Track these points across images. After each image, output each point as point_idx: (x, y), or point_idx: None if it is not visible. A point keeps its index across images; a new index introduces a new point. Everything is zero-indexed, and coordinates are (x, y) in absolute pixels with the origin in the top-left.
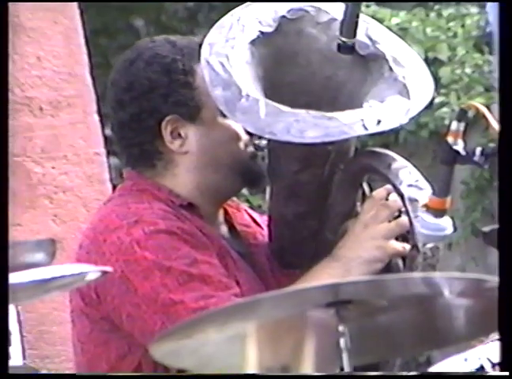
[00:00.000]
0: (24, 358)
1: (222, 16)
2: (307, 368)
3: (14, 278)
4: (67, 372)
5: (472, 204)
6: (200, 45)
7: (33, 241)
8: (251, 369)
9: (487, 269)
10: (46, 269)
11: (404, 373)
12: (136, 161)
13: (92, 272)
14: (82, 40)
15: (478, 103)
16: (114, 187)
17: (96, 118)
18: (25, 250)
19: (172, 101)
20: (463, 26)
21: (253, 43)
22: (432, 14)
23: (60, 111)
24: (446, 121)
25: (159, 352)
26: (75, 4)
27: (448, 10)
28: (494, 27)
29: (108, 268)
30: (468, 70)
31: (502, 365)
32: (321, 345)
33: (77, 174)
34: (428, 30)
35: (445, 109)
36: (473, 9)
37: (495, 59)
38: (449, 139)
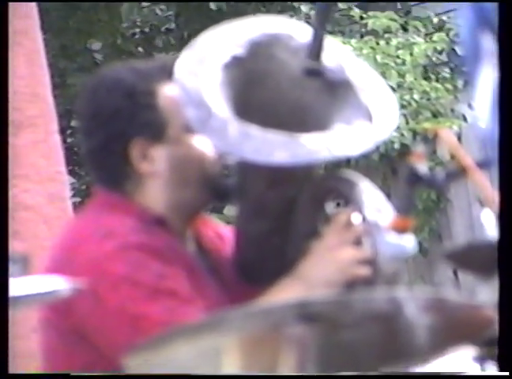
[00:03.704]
0: None
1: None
2: None
3: None
4: None
5: (419, 225)
6: (158, 67)
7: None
8: None
9: (434, 287)
10: (16, 283)
11: (405, 373)
12: (106, 182)
13: (64, 289)
14: (44, 61)
15: (442, 129)
16: (73, 205)
17: (57, 137)
18: None
19: (137, 124)
20: (411, 54)
21: (225, 65)
22: (382, 42)
23: (22, 131)
24: (396, 145)
25: (129, 365)
26: (38, 26)
27: (397, 39)
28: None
29: (80, 285)
30: (416, 96)
31: (502, 365)
32: (287, 359)
33: (38, 192)
34: (378, 57)
35: (394, 133)
36: (420, 38)
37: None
38: (413, 160)
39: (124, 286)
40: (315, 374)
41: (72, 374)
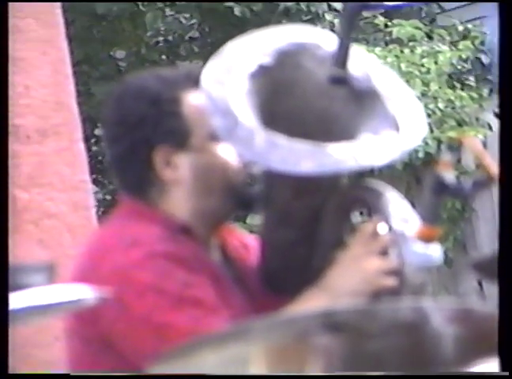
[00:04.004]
0: None
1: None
2: None
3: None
4: None
5: (443, 234)
6: (184, 75)
7: (32, 263)
8: None
9: (458, 297)
10: (43, 292)
11: (405, 373)
12: (130, 189)
13: (90, 298)
14: (69, 70)
15: (468, 137)
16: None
17: (82, 145)
18: (24, 273)
19: (161, 131)
20: (436, 63)
21: (251, 74)
22: (406, 51)
23: (46, 139)
24: (420, 154)
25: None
26: (63, 35)
27: (421, 47)
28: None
29: (105, 294)
30: (440, 105)
31: (502, 366)
32: (313, 369)
33: (62, 201)
34: (403, 66)
35: None
36: (445, 46)
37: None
38: (440, 169)
39: (150, 294)
40: (321, 374)
41: (71, 374)
